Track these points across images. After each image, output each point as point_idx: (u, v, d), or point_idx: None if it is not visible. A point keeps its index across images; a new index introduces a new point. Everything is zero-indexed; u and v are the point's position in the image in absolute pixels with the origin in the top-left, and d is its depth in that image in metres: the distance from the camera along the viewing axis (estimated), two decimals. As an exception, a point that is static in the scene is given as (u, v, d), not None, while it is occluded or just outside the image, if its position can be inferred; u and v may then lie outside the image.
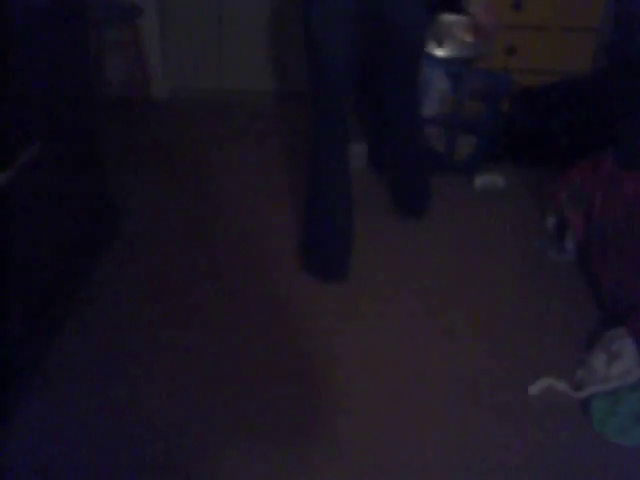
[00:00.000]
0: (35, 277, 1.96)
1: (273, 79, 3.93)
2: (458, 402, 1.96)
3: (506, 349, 2.16)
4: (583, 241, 2.51)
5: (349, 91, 2.36)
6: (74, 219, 2.22)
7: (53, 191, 2.03)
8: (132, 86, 3.62)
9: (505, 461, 1.80)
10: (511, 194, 3.00)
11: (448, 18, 2.95)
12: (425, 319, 2.28)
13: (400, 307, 2.33)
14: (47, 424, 1.83)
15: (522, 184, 3.05)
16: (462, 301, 2.37)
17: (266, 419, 1.89)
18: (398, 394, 1.98)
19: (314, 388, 2.00)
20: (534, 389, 1.99)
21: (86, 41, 2.20)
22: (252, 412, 1.90)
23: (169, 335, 2.16)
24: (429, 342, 2.18)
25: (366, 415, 1.91)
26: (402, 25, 2.33)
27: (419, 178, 2.81)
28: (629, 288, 2.15)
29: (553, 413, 1.94)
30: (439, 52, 2.97)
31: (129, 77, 3.62)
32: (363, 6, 2.19)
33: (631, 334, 2.01)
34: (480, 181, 3.00)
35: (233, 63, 3.91)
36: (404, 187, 2.83)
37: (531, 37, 3.34)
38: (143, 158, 3.20)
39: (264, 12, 3.77)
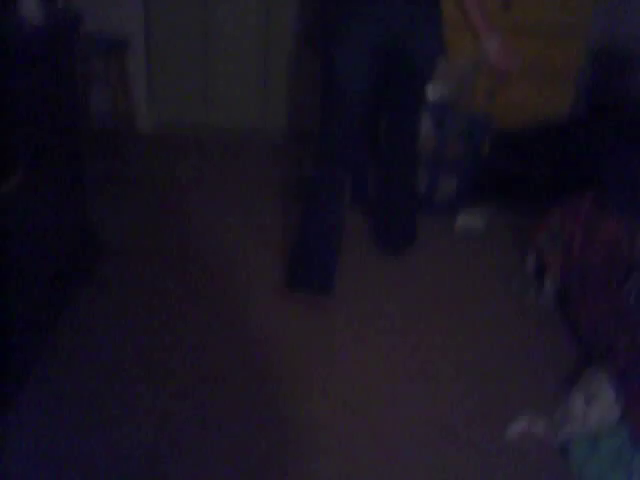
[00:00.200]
0: (12, 306, 1.93)
1: (259, 116, 3.97)
2: (436, 443, 1.95)
3: (484, 390, 2.16)
4: (562, 283, 2.53)
5: (362, 122, 2.48)
6: (53, 250, 2.20)
7: (33, 221, 2.02)
8: (117, 119, 3.62)
9: (483, 504, 1.78)
10: (491, 235, 3.03)
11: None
12: (403, 358, 2.28)
13: (378, 346, 2.32)
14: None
15: (502, 225, 3.09)
16: (441, 341, 2.37)
17: (243, 458, 1.86)
18: (376, 434, 1.97)
19: (293, 427, 1.97)
20: (512, 430, 1.99)
21: (74, 74, 2.21)
22: (231, 452, 1.87)
23: (145, 369, 2.13)
24: (407, 381, 2.17)
25: (344, 455, 1.89)
26: (417, 56, 2.43)
27: (408, 215, 2.83)
28: (607, 329, 2.17)
29: (532, 456, 1.93)
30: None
31: (114, 110, 3.63)
32: (384, 40, 2.33)
33: (609, 375, 2.01)
34: (461, 221, 3.03)
35: (219, 99, 3.95)
36: (390, 223, 2.83)
37: (511, 82, 3.41)
38: (125, 191, 3.20)
39: (251, 48, 3.83)
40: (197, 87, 3.93)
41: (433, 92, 3.07)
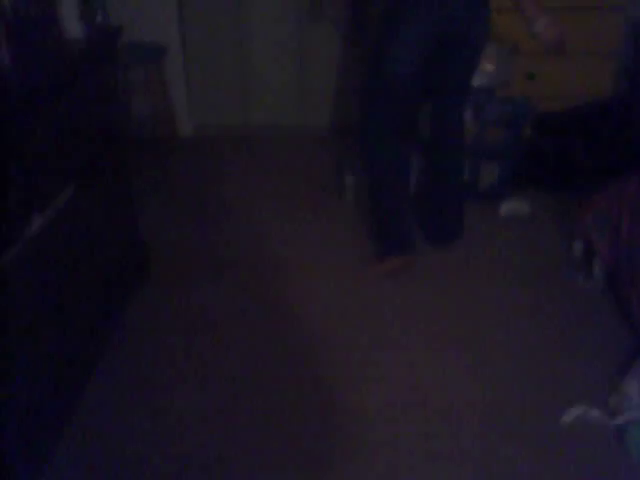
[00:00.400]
0: (69, 321, 2.00)
1: (297, 113, 4.00)
2: (488, 434, 1.95)
3: (537, 377, 2.15)
4: (611, 266, 2.50)
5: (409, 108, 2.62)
6: (105, 260, 2.27)
7: (86, 233, 2.08)
8: (158, 125, 3.69)
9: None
10: (537, 220, 3.00)
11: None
12: (456, 345, 2.29)
13: (431, 333, 2.34)
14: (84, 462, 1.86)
15: (548, 209, 3.06)
16: (492, 328, 2.37)
17: (292, 455, 1.89)
18: (424, 430, 1.97)
19: (340, 424, 2.00)
20: (567, 418, 1.98)
21: (116, 86, 2.27)
22: (279, 450, 1.91)
23: (200, 374, 2.19)
24: (458, 371, 2.18)
25: (393, 450, 1.91)
26: (474, 42, 2.51)
27: (457, 207, 2.83)
28: (660, 313, 2.14)
29: (587, 443, 1.92)
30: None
31: (155, 116, 3.70)
32: (445, 25, 2.40)
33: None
34: (506, 208, 3.01)
35: (256, 99, 3.99)
36: (439, 216, 2.83)
37: (551, 63, 3.36)
38: (172, 198, 3.27)
39: (287, 49, 3.86)
40: (235, 88, 3.97)
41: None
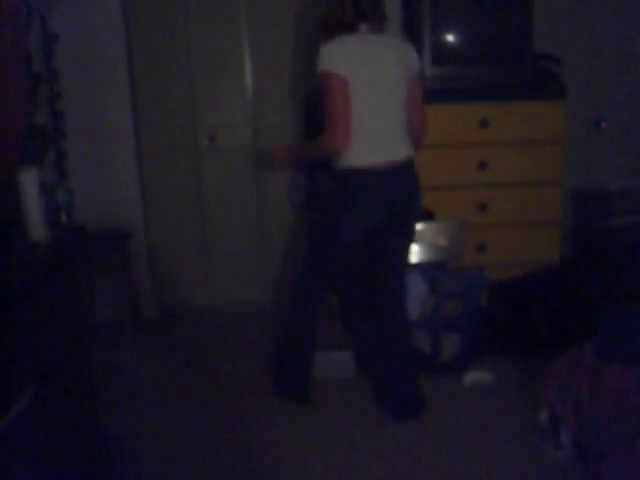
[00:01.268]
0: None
1: (258, 291, 4.08)
2: None
3: None
4: (578, 435, 2.50)
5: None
6: (68, 458, 2.20)
7: (45, 435, 2.03)
8: (122, 306, 3.72)
9: None
10: (502, 389, 3.02)
11: (418, 226, 3.16)
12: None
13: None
14: None
15: (511, 378, 3.08)
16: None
17: None
18: None
19: None
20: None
21: (79, 284, 2.31)
22: None
23: None
24: None
25: None
26: (405, 218, 2.72)
27: (411, 379, 2.86)
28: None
29: None
30: (413, 258, 3.15)
31: (118, 298, 3.73)
32: (382, 214, 2.64)
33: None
34: (469, 379, 3.04)
35: (220, 277, 4.08)
36: (394, 389, 2.85)
37: (498, 235, 3.55)
38: (133, 381, 3.22)
39: (248, 227, 4.02)
40: (198, 268, 4.07)
41: (424, 254, 3.19)
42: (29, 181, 2.06)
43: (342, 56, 2.48)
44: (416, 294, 3.09)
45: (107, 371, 3.19)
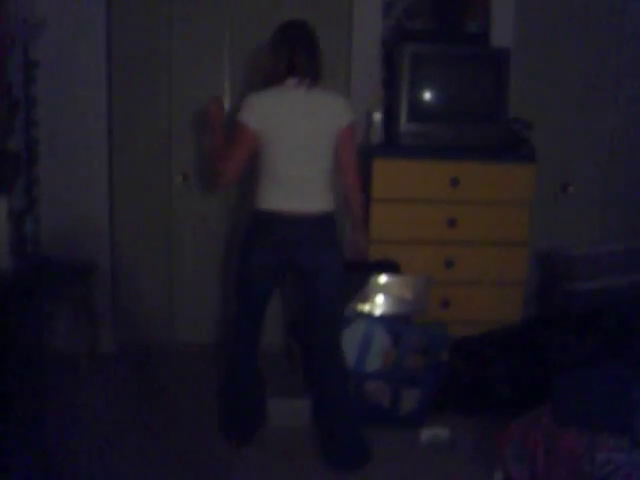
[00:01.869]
0: None
1: (219, 330, 4.05)
2: None
3: None
4: (531, 499, 2.50)
5: (262, 317, 2.88)
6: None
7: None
8: (81, 340, 3.65)
9: None
10: (458, 446, 3.01)
11: (383, 278, 3.19)
12: None
13: None
14: None
15: (468, 435, 3.09)
16: None
17: None
18: None
19: None
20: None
21: (39, 314, 2.28)
22: None
23: None
24: None
25: None
26: (314, 270, 2.71)
27: (352, 430, 2.82)
28: None
29: None
30: (377, 310, 3.17)
31: (79, 332, 3.66)
32: (282, 259, 2.71)
33: None
34: (426, 434, 3.03)
35: (183, 315, 4.05)
36: (336, 439, 2.81)
37: (463, 291, 3.59)
38: (88, 415, 3.16)
39: (216, 267, 4.00)
40: (161, 305, 4.03)
41: (389, 306, 3.21)
42: (-3, 209, 2.04)
43: (258, 108, 2.66)
44: (378, 346, 3.09)
45: (60, 403, 3.13)
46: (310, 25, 2.76)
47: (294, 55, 2.67)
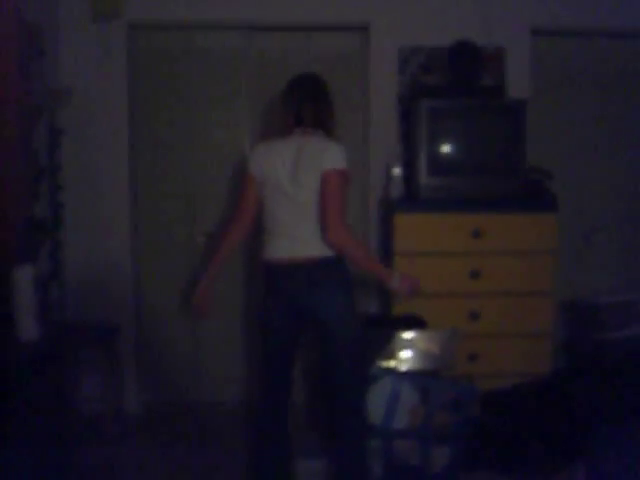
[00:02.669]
0: None
1: (245, 389, 4.02)
2: None
3: None
4: None
5: (287, 372, 2.81)
6: None
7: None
8: (106, 402, 3.64)
9: None
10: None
11: (409, 334, 3.15)
12: None
13: None
14: None
15: (501, 494, 3.00)
16: None
17: None
18: None
19: None
20: None
21: (63, 380, 2.28)
22: None
23: None
24: None
25: None
26: (327, 320, 2.65)
27: None
28: None
29: None
30: (404, 365, 3.12)
31: (104, 394, 3.65)
32: (289, 307, 2.69)
33: None
34: (458, 494, 2.95)
35: (208, 374, 4.02)
36: None
37: (490, 344, 3.54)
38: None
39: (240, 325, 3.99)
40: (187, 365, 4.02)
41: (415, 362, 3.16)
42: (24, 278, 2.06)
43: (256, 155, 2.75)
44: (406, 403, 3.04)
45: (89, 467, 3.10)
46: (318, 77, 2.80)
47: (301, 108, 2.72)
